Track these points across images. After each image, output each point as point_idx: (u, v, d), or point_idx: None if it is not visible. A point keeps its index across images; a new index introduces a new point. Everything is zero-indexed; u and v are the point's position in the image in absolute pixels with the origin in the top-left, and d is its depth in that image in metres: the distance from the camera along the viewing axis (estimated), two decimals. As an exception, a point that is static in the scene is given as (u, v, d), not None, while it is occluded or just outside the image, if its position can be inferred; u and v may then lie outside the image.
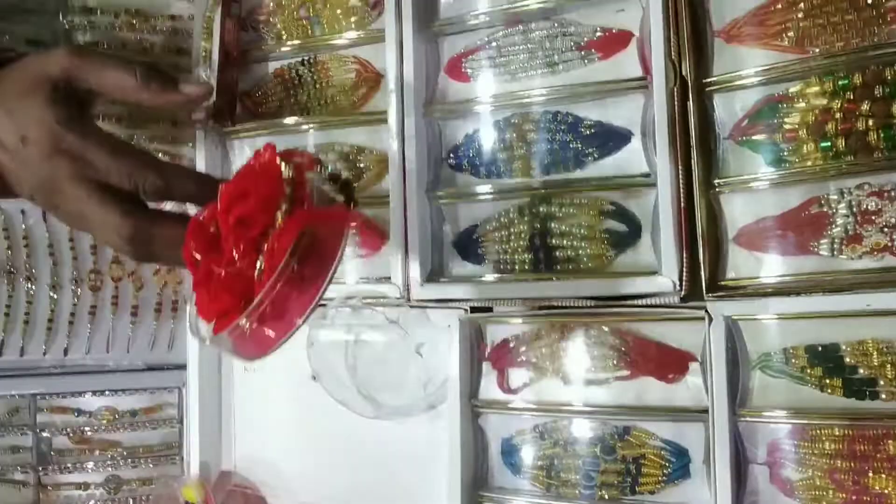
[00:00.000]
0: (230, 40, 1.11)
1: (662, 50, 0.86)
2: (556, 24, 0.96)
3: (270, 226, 0.56)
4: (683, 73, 0.86)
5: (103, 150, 0.63)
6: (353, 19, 1.09)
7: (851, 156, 0.81)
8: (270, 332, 0.58)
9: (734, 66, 0.87)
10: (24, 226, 1.13)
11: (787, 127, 0.84)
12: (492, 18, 0.99)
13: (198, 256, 0.60)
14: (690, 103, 0.86)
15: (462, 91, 1.02)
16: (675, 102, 0.86)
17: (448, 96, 1.03)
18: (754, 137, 0.86)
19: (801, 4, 0.84)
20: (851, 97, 0.81)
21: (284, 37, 1.13)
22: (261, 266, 0.55)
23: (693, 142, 0.86)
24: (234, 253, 0.57)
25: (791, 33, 0.85)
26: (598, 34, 0.94)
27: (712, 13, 0.89)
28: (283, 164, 0.58)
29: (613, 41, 0.94)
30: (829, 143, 0.82)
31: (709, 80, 0.87)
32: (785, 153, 0.85)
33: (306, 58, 1.12)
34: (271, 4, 1.14)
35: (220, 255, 0.58)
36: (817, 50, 0.83)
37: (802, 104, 0.84)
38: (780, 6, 0.86)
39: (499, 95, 0.99)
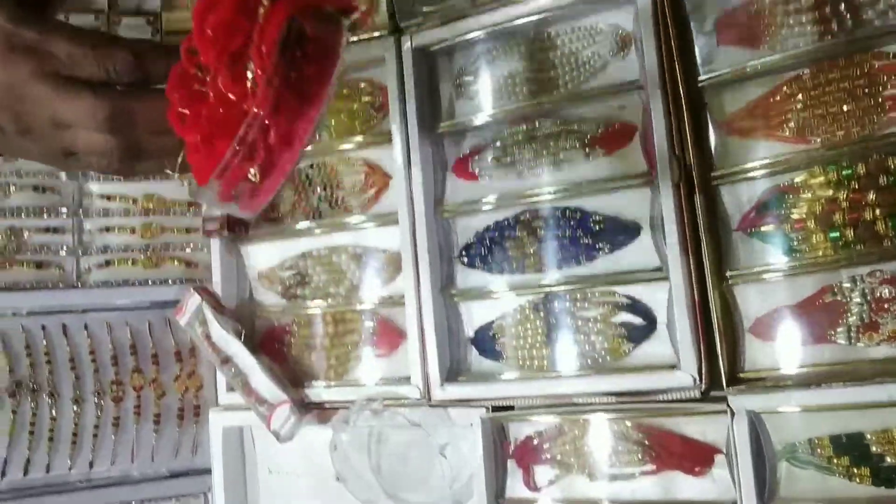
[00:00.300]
0: (240, 148, 1.13)
1: (666, 145, 0.88)
2: (559, 122, 0.98)
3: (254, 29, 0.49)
4: (688, 166, 0.87)
5: (63, 38, 0.57)
6: (358, 122, 1.11)
7: (861, 245, 0.82)
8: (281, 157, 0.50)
9: (738, 158, 0.88)
10: (44, 342, 1.14)
11: (794, 217, 0.85)
12: (496, 119, 1.01)
13: (185, 112, 0.52)
14: (697, 197, 0.87)
15: (471, 190, 1.03)
16: (682, 196, 0.87)
17: (457, 195, 1.04)
18: (763, 229, 0.87)
19: (800, 96, 0.86)
20: (856, 187, 0.82)
21: (292, 142, 1.15)
22: (252, 80, 0.49)
23: (702, 235, 0.86)
24: (219, 80, 0.49)
25: (792, 124, 0.86)
26: (601, 130, 0.96)
27: (713, 105, 0.90)
28: None
29: (617, 136, 0.95)
30: (837, 234, 0.83)
31: (714, 173, 0.88)
32: (795, 243, 0.85)
33: (315, 161, 1.14)
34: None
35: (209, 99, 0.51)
36: (819, 139, 0.85)
37: (808, 195, 0.85)
38: (778, 98, 0.87)
39: (507, 193, 1.00)
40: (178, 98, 0.53)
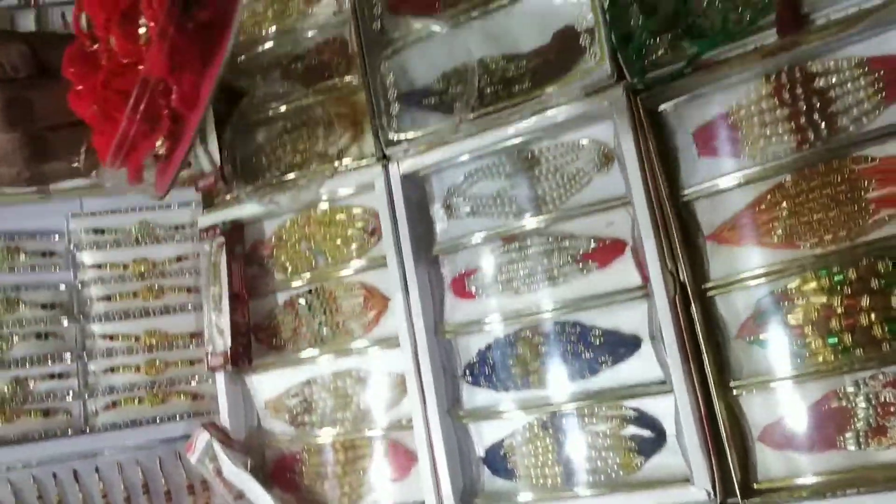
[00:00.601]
0: (237, 283, 1.14)
1: (658, 260, 0.89)
2: (550, 239, 0.99)
3: None
4: (682, 279, 0.88)
5: None
6: (353, 246, 1.12)
7: (860, 349, 0.82)
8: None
9: (729, 268, 0.89)
10: (56, 491, 1.14)
11: (792, 324, 0.86)
12: (488, 238, 1.02)
13: (81, 88, 0.46)
14: (693, 308, 0.88)
15: (469, 309, 1.04)
16: (679, 308, 0.88)
17: (456, 315, 1.05)
18: (762, 336, 0.88)
19: (784, 203, 0.87)
20: (849, 292, 0.83)
21: (290, 269, 1.17)
22: (146, 35, 0.45)
23: (702, 345, 0.87)
24: (111, 43, 0.45)
25: (779, 231, 0.87)
26: (593, 245, 0.97)
27: (700, 218, 0.91)
28: None
29: (609, 251, 0.96)
30: (836, 339, 0.83)
31: (707, 284, 0.89)
32: (795, 350, 0.86)
33: (314, 287, 1.15)
34: (273, 239, 1.18)
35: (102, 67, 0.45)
36: (807, 245, 0.86)
37: (803, 301, 0.85)
38: (763, 206, 0.88)
39: (506, 311, 1.01)
40: (74, 74, 0.50)
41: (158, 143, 0.47)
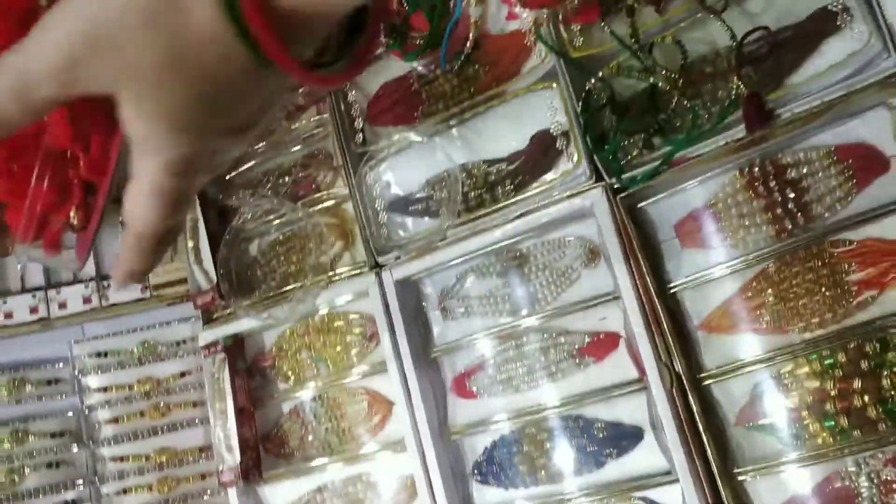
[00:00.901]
0: (242, 398, 1.16)
1: (651, 353, 0.91)
2: (545, 336, 1.01)
3: None
4: (677, 370, 0.90)
5: None
6: (353, 352, 1.14)
7: (857, 431, 0.84)
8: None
9: (723, 356, 0.91)
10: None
11: (789, 408, 0.88)
12: (484, 339, 1.04)
13: None
14: (691, 400, 0.89)
15: (472, 408, 1.06)
16: (676, 399, 0.90)
17: (459, 416, 1.06)
18: (761, 422, 0.89)
19: (770, 290, 0.89)
20: (841, 374, 0.85)
21: (292, 378, 1.18)
22: None
23: (703, 434, 0.88)
24: None
25: (767, 317, 0.89)
26: (588, 340, 0.99)
27: (689, 308, 0.94)
28: None
29: (603, 345, 0.98)
30: (832, 422, 0.85)
31: (702, 374, 0.91)
32: (794, 432, 0.87)
33: (317, 395, 1.16)
34: (273, 350, 1.20)
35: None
36: (796, 329, 0.88)
37: (797, 386, 0.87)
38: (749, 294, 0.91)
39: (509, 410, 1.02)
40: None
41: (71, 213, 0.44)
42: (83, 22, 0.40)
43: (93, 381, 1.24)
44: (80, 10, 0.40)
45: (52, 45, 0.40)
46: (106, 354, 1.25)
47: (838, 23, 0.84)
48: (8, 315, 1.23)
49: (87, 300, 1.25)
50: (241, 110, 0.44)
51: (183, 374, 1.25)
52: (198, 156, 0.44)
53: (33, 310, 1.24)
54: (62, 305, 1.25)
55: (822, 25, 0.85)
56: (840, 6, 0.84)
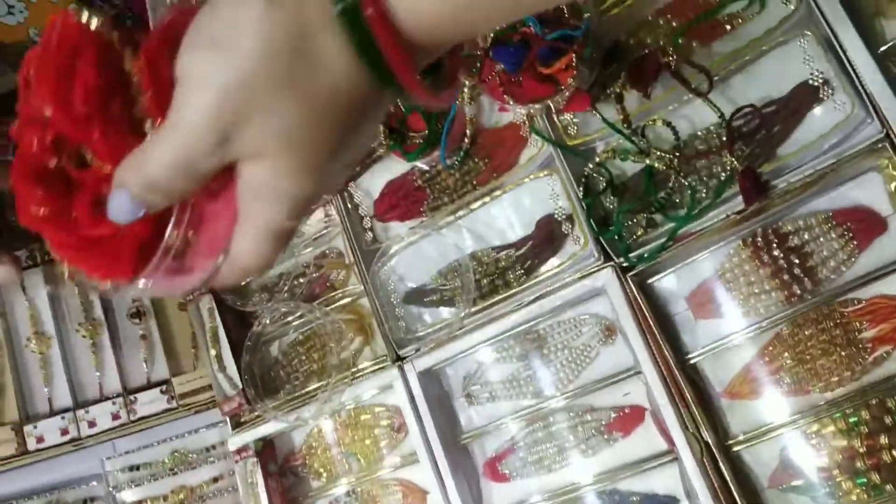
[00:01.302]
0: (276, 499, 1.17)
1: (678, 424, 0.92)
2: (572, 415, 1.03)
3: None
4: (705, 439, 0.92)
5: None
6: (383, 444, 1.16)
7: (890, 485, 0.85)
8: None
9: (748, 422, 0.93)
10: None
11: (820, 467, 0.89)
12: (511, 423, 1.06)
13: (42, 212, 0.41)
14: (723, 467, 0.91)
15: (507, 492, 1.07)
16: (708, 467, 0.91)
17: (495, 499, 1.08)
18: (794, 483, 0.91)
19: (786, 353, 0.92)
20: (866, 431, 0.87)
21: (324, 475, 1.20)
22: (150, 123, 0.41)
23: (740, 502, 0.90)
24: (92, 158, 0.41)
25: (787, 380, 0.91)
26: (614, 416, 1.01)
27: (710, 377, 0.96)
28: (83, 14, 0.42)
29: (630, 419, 1.00)
30: (864, 479, 0.86)
31: (730, 441, 0.93)
32: (828, 491, 0.89)
33: (351, 490, 1.18)
34: (303, 448, 1.22)
35: (80, 187, 0.41)
36: (817, 389, 0.90)
37: (825, 445, 0.89)
38: (767, 358, 0.93)
39: (543, 491, 1.04)
40: (34, 197, 0.42)
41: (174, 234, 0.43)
42: (217, 92, 0.40)
43: (127, 495, 1.26)
44: (210, 78, 0.40)
45: (204, 122, 0.40)
46: (138, 468, 1.26)
47: (820, 95, 0.88)
48: (39, 439, 1.25)
49: (115, 416, 1.27)
50: (364, 143, 0.46)
51: (216, 480, 1.27)
52: (319, 195, 0.45)
53: (64, 431, 1.26)
54: (91, 424, 1.27)
55: (804, 99, 0.89)
56: (821, 80, 0.88)
